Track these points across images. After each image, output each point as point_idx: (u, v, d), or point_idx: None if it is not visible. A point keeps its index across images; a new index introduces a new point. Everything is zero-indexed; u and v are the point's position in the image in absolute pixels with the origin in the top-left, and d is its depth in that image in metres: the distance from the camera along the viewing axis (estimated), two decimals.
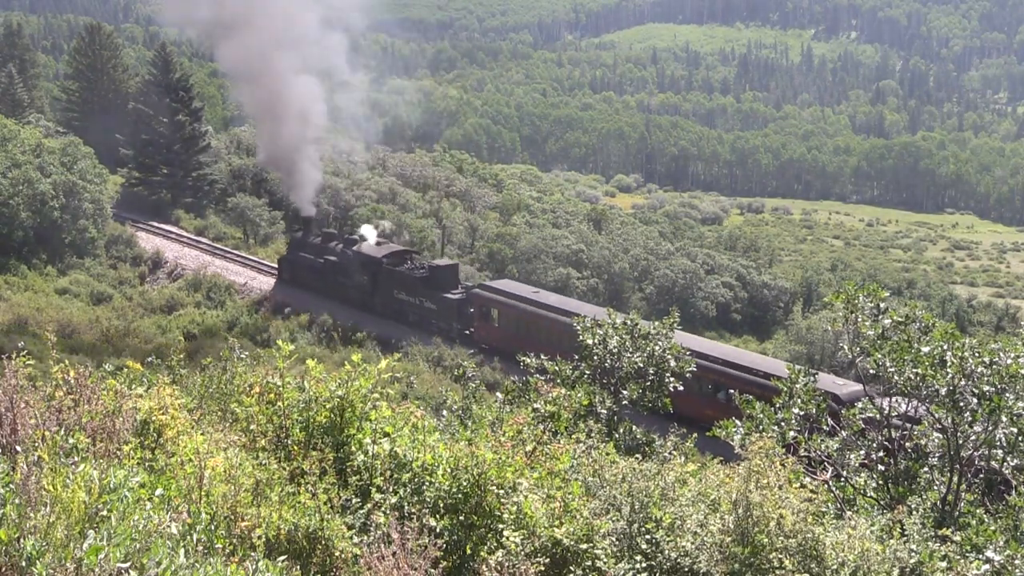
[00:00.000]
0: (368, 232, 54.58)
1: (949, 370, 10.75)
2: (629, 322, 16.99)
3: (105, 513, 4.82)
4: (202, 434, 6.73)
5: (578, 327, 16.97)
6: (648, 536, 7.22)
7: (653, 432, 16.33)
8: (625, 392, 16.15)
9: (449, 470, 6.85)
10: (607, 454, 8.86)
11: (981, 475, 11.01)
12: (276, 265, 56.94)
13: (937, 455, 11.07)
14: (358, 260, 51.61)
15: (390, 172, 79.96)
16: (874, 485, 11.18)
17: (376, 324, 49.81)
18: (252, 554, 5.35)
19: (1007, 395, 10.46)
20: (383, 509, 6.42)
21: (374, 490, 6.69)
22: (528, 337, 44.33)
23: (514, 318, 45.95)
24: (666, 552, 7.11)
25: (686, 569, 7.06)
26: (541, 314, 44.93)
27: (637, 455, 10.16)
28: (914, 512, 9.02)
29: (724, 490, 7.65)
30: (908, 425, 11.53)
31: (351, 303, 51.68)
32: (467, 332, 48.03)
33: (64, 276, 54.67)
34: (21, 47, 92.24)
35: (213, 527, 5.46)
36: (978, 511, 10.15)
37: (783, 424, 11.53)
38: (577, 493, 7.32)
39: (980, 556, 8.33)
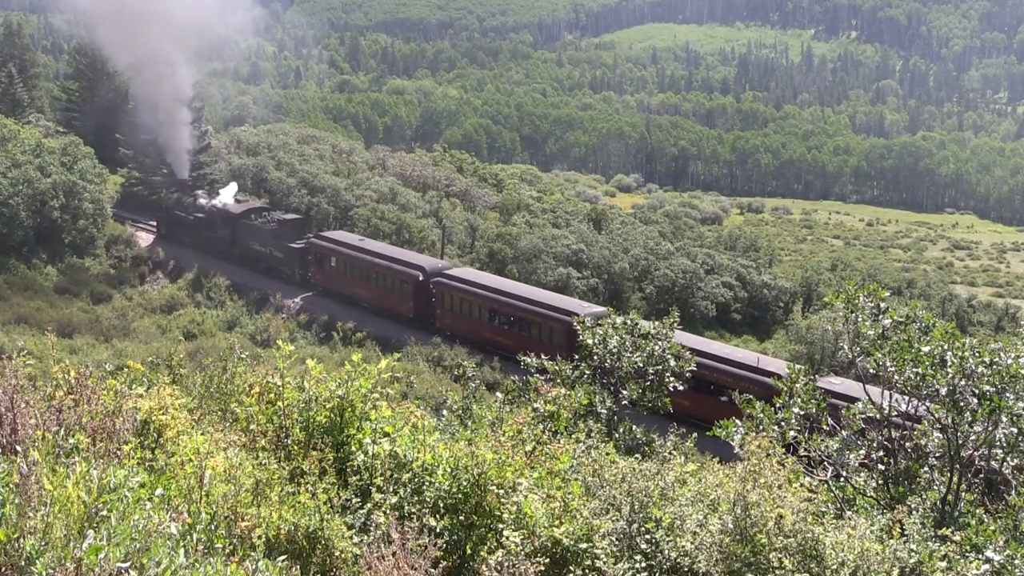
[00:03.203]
0: (228, 192, 61.24)
1: (949, 370, 10.73)
2: (629, 322, 16.99)
3: (105, 513, 4.82)
4: (202, 434, 6.72)
5: (578, 327, 16.98)
6: (648, 536, 7.21)
7: (653, 432, 16.34)
8: (625, 392, 16.15)
9: (449, 470, 6.84)
10: (607, 454, 8.85)
11: (981, 475, 11.00)
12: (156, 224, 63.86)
13: (937, 455, 11.06)
14: (220, 216, 59.34)
15: (390, 172, 79.84)
16: (874, 485, 11.17)
17: (235, 272, 57.09)
18: (252, 554, 5.35)
19: (1007, 395, 10.44)
20: (383, 509, 6.42)
21: (374, 490, 6.69)
22: (354, 279, 52.86)
23: (343, 262, 53.52)
24: (666, 552, 7.11)
25: (686, 569, 7.06)
26: (363, 259, 52.55)
27: (637, 455, 10.16)
28: (914, 512, 9.01)
29: (723, 490, 7.65)
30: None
31: (215, 254, 58.99)
32: (308, 277, 55.22)
33: (64, 276, 54.63)
34: (21, 47, 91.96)
35: (213, 527, 5.46)
36: (978, 511, 10.14)
37: (783, 424, 11.52)
38: (577, 493, 7.32)
39: (980, 556, 8.33)
